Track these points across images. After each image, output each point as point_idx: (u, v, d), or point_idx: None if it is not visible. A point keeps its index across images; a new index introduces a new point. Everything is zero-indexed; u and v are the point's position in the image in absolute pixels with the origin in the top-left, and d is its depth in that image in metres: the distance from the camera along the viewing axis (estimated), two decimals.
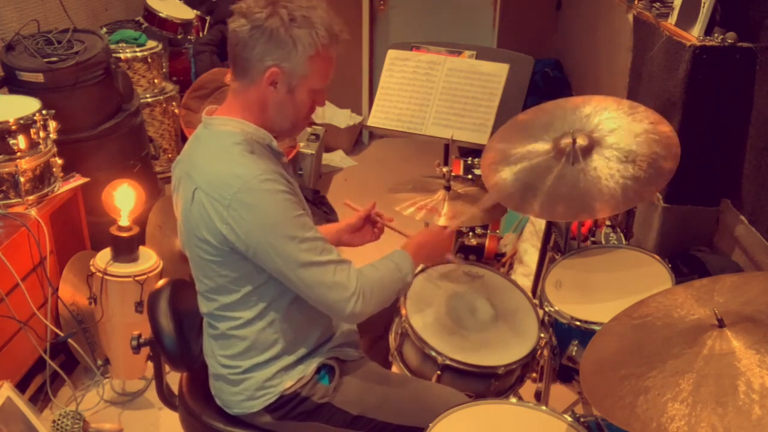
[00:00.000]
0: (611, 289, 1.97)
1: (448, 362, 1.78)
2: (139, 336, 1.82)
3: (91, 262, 2.61)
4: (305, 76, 1.55)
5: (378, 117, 2.65)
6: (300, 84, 1.56)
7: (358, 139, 5.47)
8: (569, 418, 1.50)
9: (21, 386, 2.47)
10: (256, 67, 1.53)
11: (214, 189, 1.51)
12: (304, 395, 1.68)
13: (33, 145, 2.53)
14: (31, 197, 2.55)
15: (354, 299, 1.56)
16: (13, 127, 2.45)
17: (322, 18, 1.52)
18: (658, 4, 3.05)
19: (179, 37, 4.14)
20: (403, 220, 2.06)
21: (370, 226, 1.98)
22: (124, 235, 2.57)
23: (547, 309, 1.94)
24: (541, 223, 2.95)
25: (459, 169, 3.36)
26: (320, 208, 4.01)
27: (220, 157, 1.55)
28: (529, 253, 3.14)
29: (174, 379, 1.91)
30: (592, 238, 2.75)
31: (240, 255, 1.55)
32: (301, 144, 4.37)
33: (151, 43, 3.66)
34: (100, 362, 2.74)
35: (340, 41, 1.57)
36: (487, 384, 1.80)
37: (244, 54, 1.53)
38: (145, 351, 1.85)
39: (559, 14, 5.42)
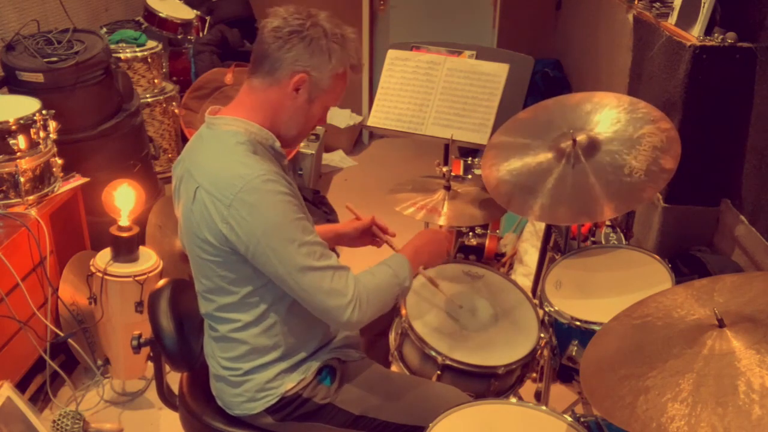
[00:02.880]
0: (611, 289, 1.97)
1: (448, 362, 1.78)
2: (139, 336, 1.82)
3: (91, 262, 2.61)
4: (325, 91, 1.58)
5: (378, 117, 2.65)
6: (319, 97, 1.59)
7: (358, 139, 5.47)
8: (569, 418, 1.50)
9: (21, 386, 2.47)
10: (285, 69, 1.55)
11: (217, 188, 1.51)
12: (306, 396, 1.68)
13: (33, 145, 2.53)
14: (31, 197, 2.55)
15: (351, 306, 1.55)
16: (13, 127, 2.45)
17: (353, 41, 1.59)
18: (658, 4, 3.06)
19: (179, 37, 4.14)
20: (404, 220, 2.06)
21: (369, 237, 1.98)
22: (124, 235, 2.57)
23: (547, 309, 1.94)
24: (541, 224, 2.95)
25: (459, 169, 3.36)
26: (320, 208, 4.01)
27: (224, 156, 1.55)
28: (529, 253, 3.14)
29: (174, 379, 1.91)
30: (592, 238, 2.75)
31: (239, 256, 1.55)
32: (301, 144, 4.37)
33: (151, 43, 3.66)
34: (100, 362, 2.74)
35: (359, 69, 1.63)
36: (487, 384, 1.80)
37: (276, 54, 1.54)
38: (145, 351, 1.85)
39: (559, 14, 5.42)
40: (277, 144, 1.62)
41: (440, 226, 1.91)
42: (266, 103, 1.59)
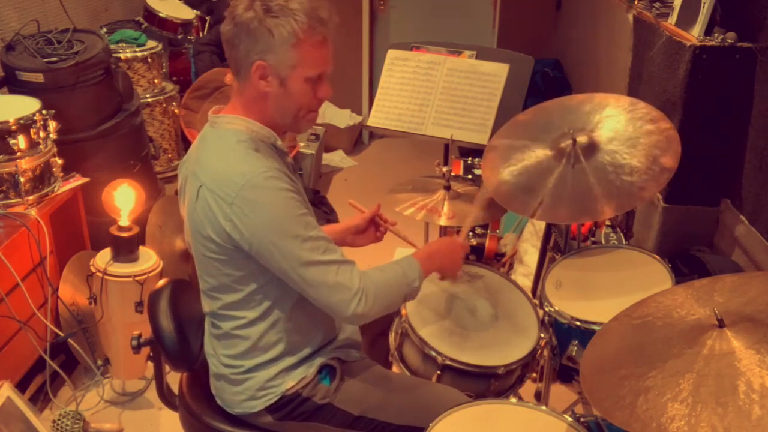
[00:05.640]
0: (611, 289, 1.97)
1: (448, 362, 1.78)
2: (139, 336, 1.82)
3: (91, 262, 2.61)
4: (293, 66, 1.53)
5: (378, 117, 2.65)
6: (290, 74, 1.54)
7: (358, 139, 5.47)
8: (569, 418, 1.50)
9: (21, 386, 2.47)
10: (244, 65, 1.54)
11: (219, 186, 1.51)
12: (306, 396, 1.68)
13: (33, 145, 2.53)
14: (31, 197, 2.55)
15: (356, 300, 1.54)
16: (13, 127, 2.45)
17: (302, 4, 1.50)
18: (658, 4, 3.06)
19: (179, 37, 4.14)
20: (404, 220, 2.06)
21: (373, 229, 1.98)
22: (124, 235, 2.57)
23: (547, 309, 1.94)
24: (541, 223, 2.96)
25: (459, 169, 3.37)
26: (320, 208, 4.01)
27: (225, 154, 1.55)
28: (529, 253, 3.14)
29: (174, 379, 1.91)
30: (592, 238, 2.75)
31: (244, 253, 1.55)
32: (301, 144, 4.37)
33: (151, 43, 3.66)
34: (100, 362, 2.74)
35: (327, 24, 1.53)
36: (487, 384, 1.80)
37: (233, 54, 1.55)
38: (145, 351, 1.85)
39: (559, 14, 5.42)
40: (279, 142, 1.63)
41: (456, 239, 1.88)
42: (249, 102, 1.59)
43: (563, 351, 1.93)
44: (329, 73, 1.60)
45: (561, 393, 2.48)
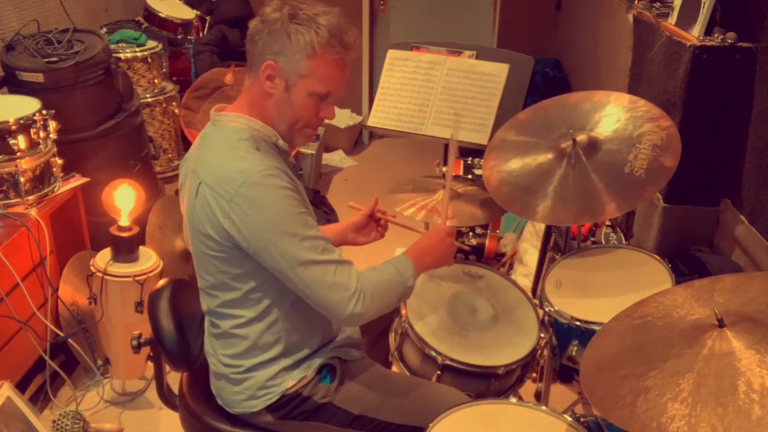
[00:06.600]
0: (611, 289, 1.97)
1: (448, 362, 1.78)
2: (140, 336, 1.82)
3: (91, 262, 2.61)
4: (303, 76, 1.54)
5: (378, 117, 2.65)
6: (297, 83, 1.55)
7: (358, 139, 5.47)
8: (569, 418, 1.50)
9: (21, 386, 2.47)
10: (257, 62, 1.56)
11: (218, 183, 1.52)
12: (306, 395, 1.68)
13: (33, 145, 2.53)
14: (31, 197, 2.55)
15: (354, 300, 1.54)
16: (13, 127, 2.45)
17: (329, 21, 1.53)
18: (658, 4, 3.06)
19: (179, 37, 4.14)
20: (404, 220, 2.06)
21: (374, 224, 1.97)
22: (124, 235, 2.58)
23: (547, 309, 1.94)
24: (541, 224, 2.96)
25: (459, 169, 3.36)
26: (320, 208, 4.01)
27: (225, 152, 1.55)
28: (529, 253, 3.14)
29: (174, 378, 1.91)
30: (592, 238, 2.75)
31: (242, 251, 1.55)
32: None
33: (151, 43, 3.67)
34: (100, 362, 2.74)
35: (348, 48, 1.56)
36: (487, 384, 1.80)
37: (251, 48, 1.57)
38: (145, 351, 1.85)
39: (559, 14, 5.42)
40: (281, 141, 1.63)
41: (445, 228, 1.85)
42: (254, 100, 1.60)
43: (563, 351, 1.93)
44: (338, 96, 1.61)
45: (561, 393, 2.49)
